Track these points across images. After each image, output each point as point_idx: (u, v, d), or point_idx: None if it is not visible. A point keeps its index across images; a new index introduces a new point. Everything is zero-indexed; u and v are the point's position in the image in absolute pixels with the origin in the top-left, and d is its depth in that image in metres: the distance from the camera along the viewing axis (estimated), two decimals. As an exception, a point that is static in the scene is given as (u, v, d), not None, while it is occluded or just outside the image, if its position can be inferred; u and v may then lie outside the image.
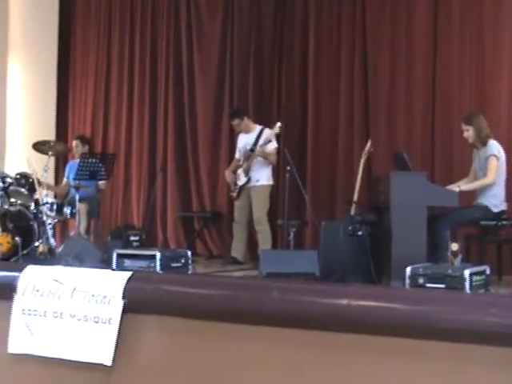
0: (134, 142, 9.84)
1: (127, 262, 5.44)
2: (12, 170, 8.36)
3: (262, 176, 7.61)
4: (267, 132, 7.64)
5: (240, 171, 7.67)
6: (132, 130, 9.90)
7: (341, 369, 3.44)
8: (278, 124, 7.44)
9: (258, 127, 7.81)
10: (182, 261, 5.54)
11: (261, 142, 7.58)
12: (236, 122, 7.87)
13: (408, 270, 4.56)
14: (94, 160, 7.44)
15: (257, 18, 8.99)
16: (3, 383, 4.68)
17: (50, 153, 7.45)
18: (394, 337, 3.28)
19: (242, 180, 7.64)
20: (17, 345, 4.43)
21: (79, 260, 6.19)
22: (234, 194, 7.72)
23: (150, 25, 9.82)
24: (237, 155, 7.96)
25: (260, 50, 8.93)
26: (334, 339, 3.45)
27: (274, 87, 8.80)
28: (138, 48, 9.90)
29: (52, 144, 7.63)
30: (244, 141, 7.82)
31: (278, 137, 7.66)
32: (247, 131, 7.84)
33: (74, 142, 8.52)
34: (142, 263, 5.35)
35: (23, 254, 6.59)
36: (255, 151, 7.59)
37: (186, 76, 9.44)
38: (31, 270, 4.54)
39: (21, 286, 4.46)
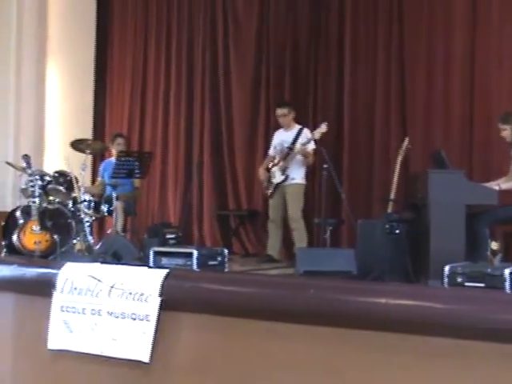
0: (171, 140, 9.89)
1: (164, 260, 5.45)
2: (50, 168, 8.45)
3: (298, 175, 7.59)
4: (307, 132, 7.62)
5: (276, 169, 7.63)
6: (168, 129, 9.94)
7: (379, 368, 3.42)
8: (325, 124, 7.36)
9: (297, 126, 7.76)
10: (219, 259, 5.53)
11: (301, 140, 7.54)
12: (286, 110, 7.78)
13: (446, 268, 4.51)
14: (130, 158, 7.47)
15: (292, 15, 8.96)
16: (43, 379, 4.74)
17: (88, 151, 7.50)
18: (433, 336, 3.25)
19: (278, 178, 7.60)
20: (56, 341, 4.48)
21: (116, 258, 6.23)
22: (269, 192, 7.69)
23: (187, 23, 9.85)
24: (271, 152, 7.93)
25: (296, 48, 8.91)
26: (371, 338, 3.43)
27: (309, 86, 8.77)
28: (175, 47, 9.94)
29: (89, 142, 7.67)
30: (281, 138, 7.78)
31: (323, 134, 7.54)
32: (287, 127, 7.79)
33: (119, 140, 8.56)
34: (179, 261, 5.36)
35: (61, 251, 6.63)
36: (295, 149, 7.54)
37: (222, 74, 9.46)
38: (69, 267, 4.59)
39: (59, 283, 4.51)
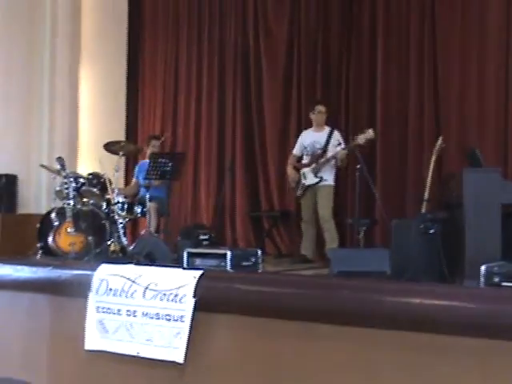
0: (203, 141, 9.92)
1: (198, 261, 5.45)
2: (84, 170, 8.54)
3: (330, 176, 7.57)
4: (337, 134, 7.59)
5: (307, 170, 7.60)
6: (200, 130, 9.98)
7: (414, 369, 3.40)
8: (372, 129, 7.28)
9: (327, 128, 7.73)
10: (252, 260, 5.52)
11: (333, 142, 7.52)
12: (324, 109, 7.78)
13: (483, 268, 4.46)
14: (164, 160, 7.49)
15: (323, 14, 8.94)
16: (79, 379, 4.78)
17: (121, 153, 7.56)
18: (469, 336, 3.22)
19: (310, 180, 7.58)
20: (92, 342, 4.52)
21: (150, 258, 6.26)
22: (299, 193, 7.67)
23: (218, 23, 9.88)
24: (295, 151, 7.90)
25: (327, 47, 8.89)
26: (406, 338, 3.41)
27: (341, 85, 8.74)
28: (206, 48, 9.98)
29: (122, 144, 7.73)
30: (312, 138, 7.75)
31: (370, 141, 7.44)
32: (319, 128, 7.77)
33: (154, 142, 8.60)
34: (213, 262, 5.36)
35: (96, 252, 6.70)
36: (328, 153, 7.51)
37: (253, 75, 9.48)
38: (104, 268, 4.62)
39: (95, 284, 4.55)
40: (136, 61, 10.70)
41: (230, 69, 9.70)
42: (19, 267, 5.18)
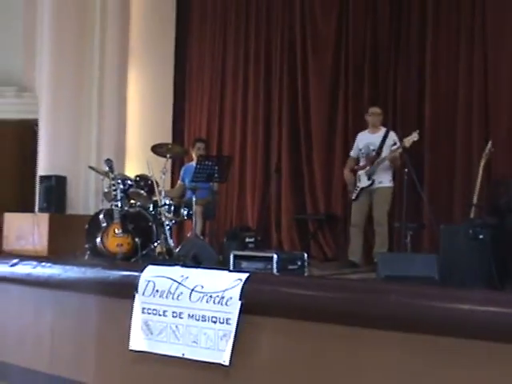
0: (249, 143, 9.92)
1: (244, 264, 5.45)
2: (131, 172, 8.61)
3: (385, 178, 7.48)
4: (393, 135, 7.52)
5: (362, 173, 7.54)
6: (246, 133, 9.98)
7: (464, 376, 3.36)
8: (416, 132, 7.21)
9: (383, 129, 7.66)
10: (299, 263, 5.50)
11: (388, 143, 7.45)
12: (380, 110, 7.74)
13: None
14: (210, 162, 7.52)
15: (372, 14, 8.88)
16: (124, 379, 4.82)
17: (168, 155, 7.59)
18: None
19: (364, 182, 7.52)
20: (137, 343, 4.56)
21: (196, 261, 6.29)
22: (353, 195, 7.62)
23: (265, 25, 9.88)
24: (353, 153, 7.84)
25: (375, 48, 8.81)
26: (454, 345, 3.37)
27: (389, 87, 8.66)
28: (253, 49, 9.98)
29: (170, 147, 7.76)
30: (367, 140, 7.68)
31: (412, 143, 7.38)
32: (374, 129, 7.70)
33: (198, 145, 8.63)
34: (259, 265, 5.35)
35: (142, 254, 6.74)
36: (382, 155, 7.45)
37: (300, 77, 9.44)
38: (151, 270, 4.66)
39: (141, 285, 4.59)
40: (183, 63, 10.76)
41: (277, 70, 9.68)
42: (68, 267, 5.25)
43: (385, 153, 7.47)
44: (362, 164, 7.64)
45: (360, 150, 7.70)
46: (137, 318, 4.57)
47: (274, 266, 5.28)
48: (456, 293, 3.57)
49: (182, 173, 8.74)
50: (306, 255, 5.69)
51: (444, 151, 8.22)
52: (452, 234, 5.58)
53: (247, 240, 7.46)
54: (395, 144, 7.36)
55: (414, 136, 7.18)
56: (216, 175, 7.51)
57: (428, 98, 8.34)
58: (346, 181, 7.78)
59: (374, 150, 7.54)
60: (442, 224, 6.02)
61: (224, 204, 9.90)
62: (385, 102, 8.58)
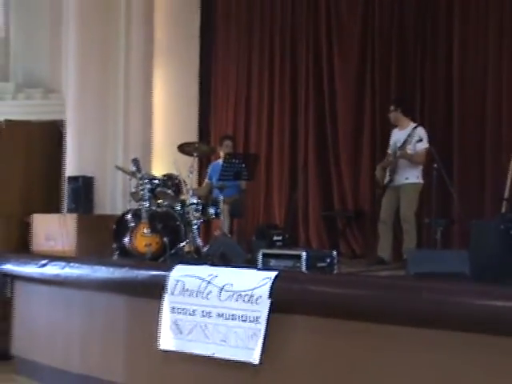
0: (275, 141, 9.90)
1: (273, 262, 5.44)
2: (158, 171, 8.63)
3: (411, 174, 7.39)
4: (420, 131, 7.44)
5: (388, 170, 7.53)
6: (273, 130, 9.96)
7: (496, 374, 3.32)
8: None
9: (412, 125, 7.57)
10: (328, 260, 5.47)
11: (413, 140, 7.37)
12: (392, 106, 7.65)
13: None
14: (237, 160, 7.51)
15: (398, 11, 8.82)
16: (154, 378, 4.84)
17: (195, 154, 7.60)
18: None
19: (386, 179, 7.51)
20: (166, 342, 4.57)
21: (224, 259, 6.29)
22: (379, 192, 7.58)
23: (290, 22, 9.84)
24: (389, 150, 7.79)
25: (402, 46, 8.75)
26: (486, 342, 3.33)
27: (416, 83, 8.59)
28: (278, 47, 9.95)
29: (196, 145, 7.76)
30: (395, 137, 7.61)
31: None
32: (401, 126, 7.64)
33: (226, 142, 8.62)
34: (288, 263, 5.34)
35: (171, 253, 6.74)
36: (397, 153, 7.41)
37: (326, 74, 9.39)
38: (180, 269, 4.67)
39: (170, 285, 4.60)
40: (209, 61, 10.75)
41: (303, 68, 9.65)
42: (97, 267, 5.28)
43: (410, 149, 7.38)
44: (388, 161, 7.60)
45: (390, 146, 7.65)
46: (166, 317, 4.59)
47: (303, 263, 5.27)
48: (489, 289, 3.53)
49: (209, 171, 8.74)
50: (334, 253, 5.67)
51: (473, 145, 8.14)
52: (483, 230, 5.51)
53: (275, 238, 7.43)
54: (420, 141, 7.26)
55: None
56: (243, 173, 7.51)
57: (456, 92, 8.27)
58: (377, 177, 7.73)
59: (399, 147, 7.48)
60: (472, 219, 5.97)
61: (251, 202, 9.88)
62: (413, 98, 8.50)
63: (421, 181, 7.43)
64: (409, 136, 7.38)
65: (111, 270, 5.16)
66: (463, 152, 8.17)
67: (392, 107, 7.67)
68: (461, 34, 8.29)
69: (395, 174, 7.41)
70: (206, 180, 8.77)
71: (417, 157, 7.33)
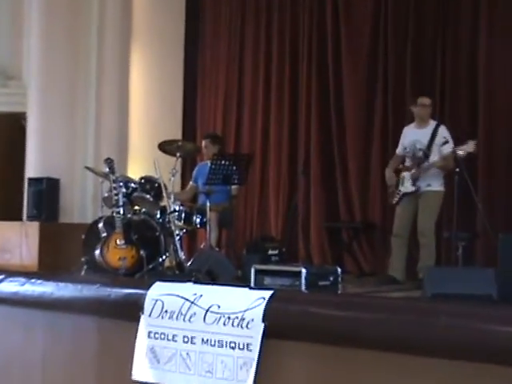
0: (272, 140, 9.93)
1: (267, 280, 5.46)
2: (135, 173, 8.63)
3: (434, 181, 7.39)
4: (443, 130, 7.45)
5: (406, 175, 7.47)
6: (269, 128, 9.99)
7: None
8: (473, 142, 7.02)
9: (432, 122, 7.57)
10: (331, 278, 5.50)
11: (438, 142, 7.37)
12: (429, 101, 7.61)
13: None
14: (226, 162, 7.51)
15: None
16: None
17: (178, 154, 7.60)
18: None
19: (407, 187, 7.42)
20: (142, 372, 4.56)
21: (211, 276, 6.29)
22: (394, 200, 7.56)
23: (290, 5, 9.88)
24: (399, 151, 7.75)
25: (420, 28, 8.77)
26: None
27: (436, 78, 8.62)
28: (276, 29, 9.99)
29: (180, 144, 7.76)
30: (414, 137, 7.59)
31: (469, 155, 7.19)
32: (422, 123, 7.61)
33: (204, 142, 8.64)
34: (285, 281, 5.36)
35: (149, 269, 6.77)
36: (431, 155, 7.36)
37: (332, 64, 9.41)
38: (159, 287, 4.66)
39: (147, 305, 4.59)
40: (195, 45, 10.78)
41: (304, 56, 9.67)
42: (62, 284, 5.26)
43: (434, 153, 7.36)
44: (407, 164, 7.58)
45: (405, 148, 7.63)
46: (142, 343, 4.58)
47: (303, 282, 5.29)
48: (519, 314, 3.55)
49: (194, 173, 8.76)
50: (339, 270, 5.69)
51: (501, 149, 8.17)
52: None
53: (270, 252, 7.46)
54: (446, 142, 7.24)
55: (470, 147, 6.99)
56: (234, 177, 7.52)
57: (482, 83, 8.31)
58: (387, 182, 7.71)
59: (420, 150, 7.46)
60: (499, 232, 5.99)
61: (243, 210, 9.92)
62: (431, 93, 8.50)
63: (443, 189, 7.44)
64: (433, 136, 7.37)
65: (79, 287, 5.15)
66: (490, 154, 8.19)
67: (428, 101, 7.60)
68: (488, 18, 8.32)
69: (417, 181, 7.39)
70: (191, 183, 8.78)
71: (448, 163, 7.26)
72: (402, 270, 7.51)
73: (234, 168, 7.51)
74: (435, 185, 7.40)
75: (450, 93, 8.54)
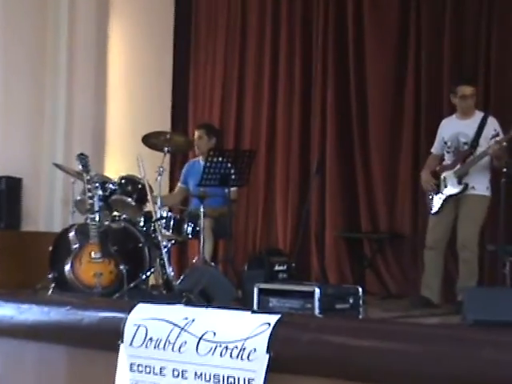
0: (279, 134, 9.91)
1: (273, 301, 5.48)
2: (115, 172, 8.63)
3: (480, 183, 7.33)
4: (493, 121, 7.41)
5: (449, 175, 7.41)
6: (276, 119, 9.96)
7: None
8: None
9: (478, 114, 7.52)
10: (350, 301, 5.51)
11: (486, 134, 7.35)
12: (471, 91, 7.56)
13: None
14: (224, 159, 7.52)
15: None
16: None
17: (166, 149, 7.61)
18: None
19: (452, 188, 7.38)
20: (123, 413, 4.56)
21: (206, 297, 6.29)
22: (435, 207, 7.54)
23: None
24: (436, 148, 7.70)
25: (460, 4, 8.77)
26: None
27: (480, 53, 8.61)
28: (286, 4, 9.98)
29: (168, 136, 7.77)
30: (456, 129, 7.54)
31: None
32: (466, 114, 7.60)
33: (197, 133, 8.64)
34: (295, 303, 5.38)
35: (130, 287, 6.76)
36: (478, 150, 7.35)
37: (352, 42, 9.38)
38: (142, 310, 4.67)
39: (128, 332, 4.59)
40: (187, 19, 10.79)
41: (319, 32, 9.62)
42: (25, 306, 5.27)
43: (482, 147, 7.34)
44: (448, 162, 7.55)
45: (445, 143, 7.58)
46: (122, 377, 4.58)
47: (316, 304, 5.30)
48: None
49: (184, 172, 8.78)
50: (360, 289, 5.69)
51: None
52: None
53: (277, 268, 7.48)
54: (497, 134, 7.23)
55: None
56: (233, 177, 7.52)
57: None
58: (424, 186, 7.70)
59: (466, 144, 7.45)
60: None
61: (244, 217, 9.91)
62: (474, 79, 8.50)
63: (490, 193, 7.40)
64: (481, 128, 7.36)
65: (46, 310, 5.16)
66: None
67: (470, 91, 7.58)
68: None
69: (464, 178, 7.37)
70: (180, 184, 8.79)
71: (502, 154, 7.21)
72: (437, 290, 7.51)
73: (234, 166, 7.52)
74: (480, 188, 7.36)
75: (495, 75, 8.52)
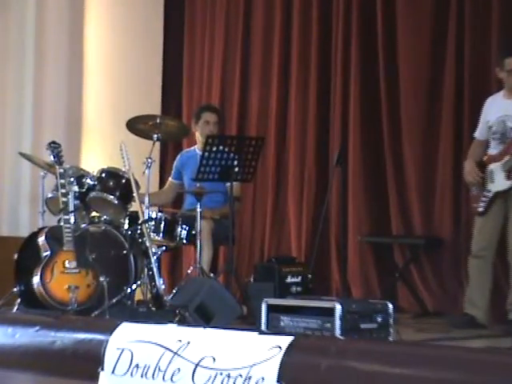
0: (292, 122, 9.93)
1: (285, 320, 5.49)
2: (92, 165, 8.65)
3: None
4: None
5: (496, 167, 7.42)
6: (288, 103, 9.99)
7: None
8: None
9: None
10: (378, 319, 5.51)
11: None
12: None
13: None
14: (225, 148, 7.53)
15: None
16: None
17: (156, 136, 7.60)
18: None
19: (499, 183, 7.40)
20: None
21: (203, 315, 6.30)
22: (481, 206, 7.51)
23: None
24: (480, 133, 7.69)
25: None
26: None
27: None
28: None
29: (158, 121, 7.76)
30: (502, 110, 7.51)
31: None
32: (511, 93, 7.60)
33: (214, 117, 8.61)
34: (311, 322, 5.39)
35: (112, 303, 6.77)
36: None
37: (381, 15, 9.34)
38: (126, 330, 4.65)
39: (110, 357, 4.58)
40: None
41: (340, 10, 9.60)
42: (-15, 326, 5.26)
43: None
44: (494, 151, 7.55)
45: (490, 127, 7.61)
46: (102, 412, 4.57)
47: (337, 323, 5.30)
48: None
49: (176, 164, 8.79)
50: (390, 306, 5.69)
51: None
52: None
53: (290, 280, 7.51)
54: None
55: None
56: (236, 170, 7.52)
57: None
58: (467, 179, 7.69)
59: None
60: None
61: (250, 218, 9.92)
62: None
63: None
64: None
65: (10, 331, 5.16)
66: None
67: None
68: None
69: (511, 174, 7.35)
70: (171, 179, 8.80)
71: None
72: (484, 307, 7.50)
73: (237, 157, 7.51)
74: None
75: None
